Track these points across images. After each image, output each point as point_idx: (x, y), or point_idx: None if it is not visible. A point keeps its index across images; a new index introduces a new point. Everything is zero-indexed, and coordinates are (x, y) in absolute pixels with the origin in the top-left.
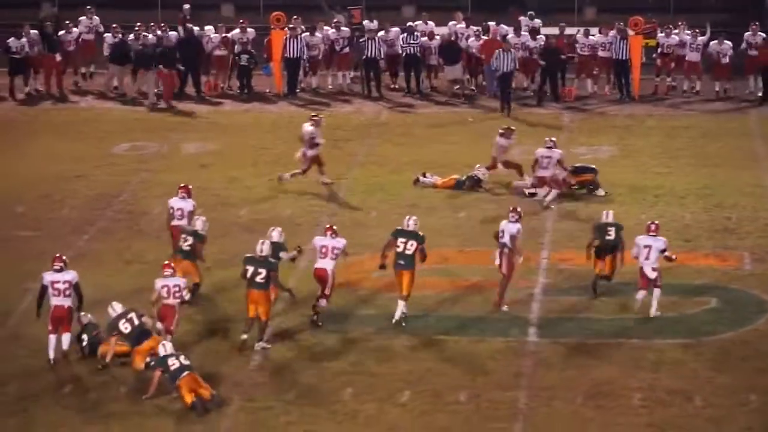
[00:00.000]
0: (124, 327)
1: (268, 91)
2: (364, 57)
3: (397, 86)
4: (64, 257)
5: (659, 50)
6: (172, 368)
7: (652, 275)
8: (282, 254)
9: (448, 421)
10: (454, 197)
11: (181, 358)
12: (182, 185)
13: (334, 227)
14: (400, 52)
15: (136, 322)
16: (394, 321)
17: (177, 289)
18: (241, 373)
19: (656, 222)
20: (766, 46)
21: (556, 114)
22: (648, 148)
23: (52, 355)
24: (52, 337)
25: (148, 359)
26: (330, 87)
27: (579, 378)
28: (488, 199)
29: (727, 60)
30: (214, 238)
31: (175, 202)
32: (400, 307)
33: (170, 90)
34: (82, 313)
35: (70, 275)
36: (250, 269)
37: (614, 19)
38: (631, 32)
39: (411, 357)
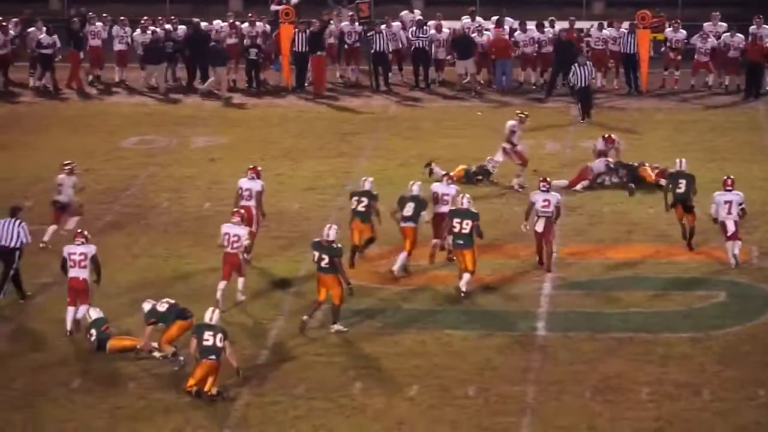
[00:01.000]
0: (161, 306)
1: (270, 84)
2: (373, 51)
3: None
4: (86, 233)
5: (668, 44)
6: (204, 343)
7: (733, 228)
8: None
9: (456, 415)
10: (462, 191)
11: (218, 338)
12: (252, 166)
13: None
14: (407, 45)
15: (173, 302)
16: (456, 288)
17: (236, 239)
18: (249, 368)
19: (731, 177)
20: (754, 43)
21: (564, 108)
22: (656, 142)
23: (69, 327)
24: (70, 309)
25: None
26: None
27: (587, 372)
28: (495, 194)
29: (737, 53)
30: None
31: (244, 183)
32: (465, 279)
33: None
34: (92, 308)
35: (88, 248)
36: (316, 254)
37: (622, 13)
38: (638, 26)
39: (419, 351)
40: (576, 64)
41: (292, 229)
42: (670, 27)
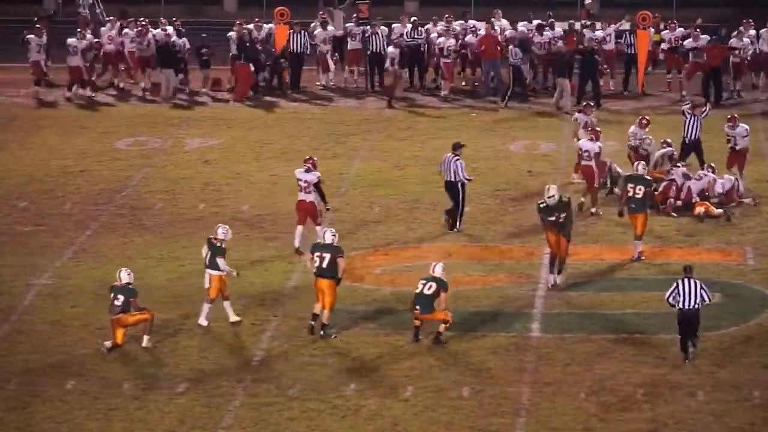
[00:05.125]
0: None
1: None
2: (369, 52)
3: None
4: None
5: (667, 46)
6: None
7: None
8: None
9: (450, 416)
10: None
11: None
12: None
13: None
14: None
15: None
16: (634, 258)
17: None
18: (243, 369)
19: None
20: (714, 48)
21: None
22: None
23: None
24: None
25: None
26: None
27: (582, 373)
28: (490, 194)
29: (748, 58)
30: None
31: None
32: (638, 247)
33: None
34: (124, 269)
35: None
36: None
37: (617, 13)
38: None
39: (414, 352)
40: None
41: (287, 230)
42: (666, 28)
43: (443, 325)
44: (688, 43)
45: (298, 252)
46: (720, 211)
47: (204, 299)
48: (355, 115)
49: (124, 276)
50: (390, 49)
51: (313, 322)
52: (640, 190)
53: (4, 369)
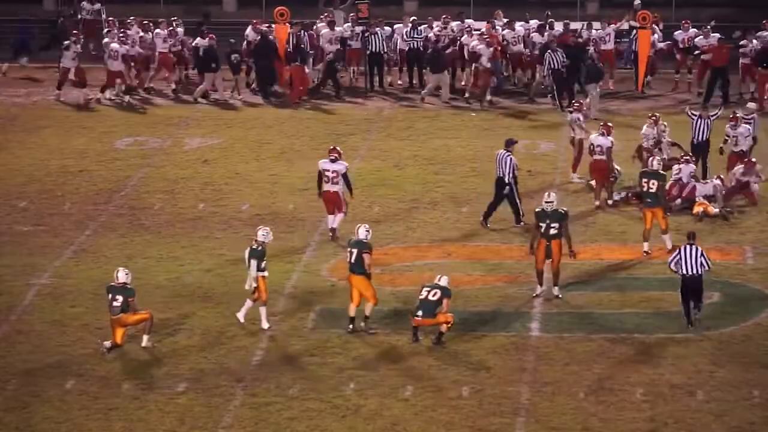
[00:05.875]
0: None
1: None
2: (369, 51)
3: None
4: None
5: (680, 45)
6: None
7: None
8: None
9: (450, 416)
10: (456, 193)
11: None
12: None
13: None
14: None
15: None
16: (645, 252)
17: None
18: (243, 369)
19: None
20: (721, 48)
21: (554, 108)
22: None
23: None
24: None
25: None
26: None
27: (581, 373)
28: (490, 193)
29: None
30: (215, 232)
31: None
32: (668, 241)
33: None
34: (123, 269)
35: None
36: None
37: (616, 13)
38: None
39: (413, 352)
40: (549, 51)
41: (287, 229)
42: (680, 29)
43: (445, 325)
44: (699, 40)
45: (332, 232)
46: (717, 210)
47: (258, 302)
48: (355, 114)
49: (122, 276)
50: (481, 46)
51: (351, 326)
52: (653, 184)
53: (3, 369)
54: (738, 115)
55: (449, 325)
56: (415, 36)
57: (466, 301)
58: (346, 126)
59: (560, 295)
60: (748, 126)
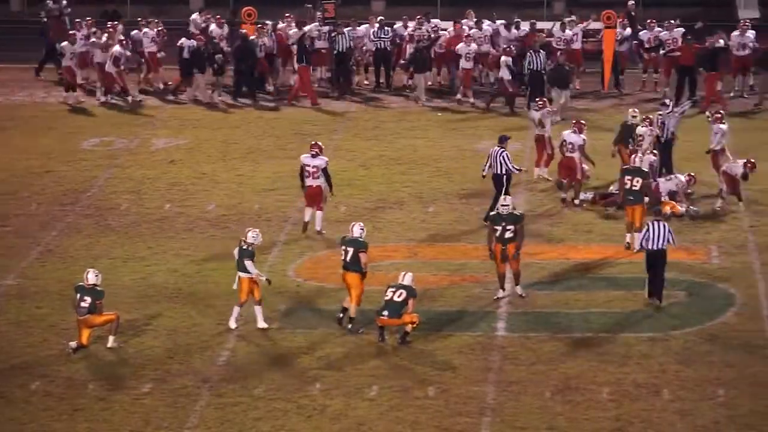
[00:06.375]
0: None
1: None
2: (335, 51)
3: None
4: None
5: (646, 44)
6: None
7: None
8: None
9: (416, 415)
10: (422, 193)
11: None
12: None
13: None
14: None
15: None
16: (626, 244)
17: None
18: (209, 369)
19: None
20: (687, 45)
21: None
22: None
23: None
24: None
25: None
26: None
27: (547, 372)
28: (456, 193)
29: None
30: (181, 232)
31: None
32: (635, 241)
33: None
34: (92, 270)
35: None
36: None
37: (583, 13)
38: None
39: (379, 352)
40: (530, 51)
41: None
42: (645, 29)
43: (410, 325)
44: (663, 34)
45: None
46: (683, 210)
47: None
48: (321, 114)
49: (92, 277)
50: (460, 45)
51: (341, 315)
52: (637, 182)
53: None
54: (720, 113)
55: (414, 325)
56: (382, 36)
57: (432, 300)
58: (312, 126)
59: (524, 294)
60: (721, 126)
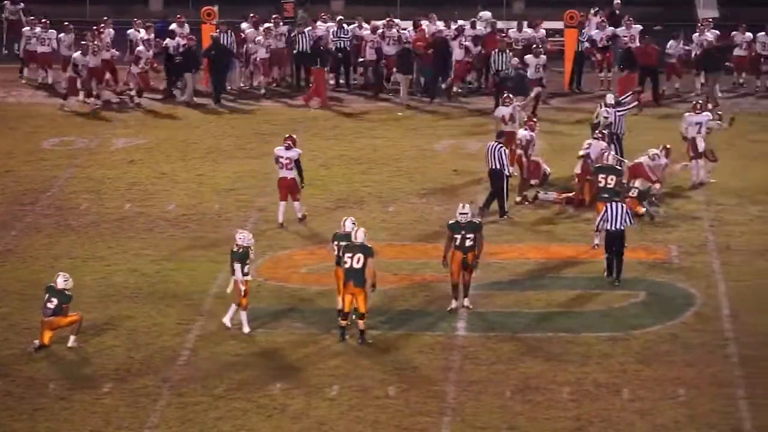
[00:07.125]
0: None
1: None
2: (295, 51)
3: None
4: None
5: (599, 44)
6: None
7: (702, 146)
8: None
9: (377, 415)
10: (382, 192)
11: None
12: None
13: None
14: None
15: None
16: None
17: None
18: (169, 369)
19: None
20: (647, 46)
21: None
22: (578, 142)
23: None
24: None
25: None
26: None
27: (507, 372)
28: (416, 193)
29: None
30: (141, 232)
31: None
32: (596, 238)
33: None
34: (63, 274)
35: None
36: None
37: (543, 13)
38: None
39: (339, 351)
40: (495, 51)
41: (212, 230)
42: (597, 28)
43: (360, 321)
44: (620, 30)
45: (282, 226)
46: (644, 210)
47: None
48: (281, 114)
49: (61, 282)
50: (532, 67)
51: (343, 321)
52: (611, 179)
53: None
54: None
55: (364, 319)
56: (342, 36)
57: (393, 300)
58: (272, 126)
59: (470, 306)
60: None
